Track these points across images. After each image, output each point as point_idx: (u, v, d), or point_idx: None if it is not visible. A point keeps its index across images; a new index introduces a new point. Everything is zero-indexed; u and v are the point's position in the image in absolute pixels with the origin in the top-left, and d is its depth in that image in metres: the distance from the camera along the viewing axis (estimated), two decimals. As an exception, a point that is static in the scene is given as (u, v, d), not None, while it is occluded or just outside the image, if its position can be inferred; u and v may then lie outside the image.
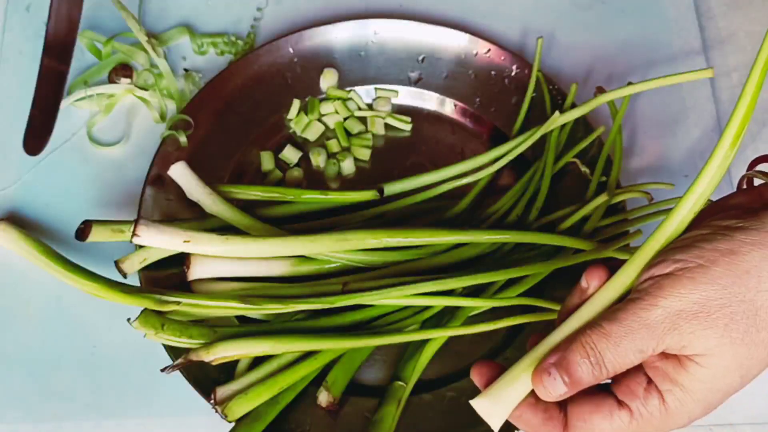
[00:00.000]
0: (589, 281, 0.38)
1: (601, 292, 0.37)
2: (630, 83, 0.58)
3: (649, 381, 0.36)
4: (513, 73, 0.64)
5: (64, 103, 0.64)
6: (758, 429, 0.55)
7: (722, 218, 0.36)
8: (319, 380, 0.52)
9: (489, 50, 0.65)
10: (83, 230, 0.53)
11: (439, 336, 0.53)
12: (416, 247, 0.55)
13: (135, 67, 0.66)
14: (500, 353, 0.55)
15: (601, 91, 0.59)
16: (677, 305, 0.34)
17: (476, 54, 0.65)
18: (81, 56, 0.67)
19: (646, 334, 0.34)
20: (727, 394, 0.36)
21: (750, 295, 0.34)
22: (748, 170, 0.44)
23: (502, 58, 0.64)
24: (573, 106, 0.61)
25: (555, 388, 0.35)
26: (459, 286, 0.52)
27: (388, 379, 0.53)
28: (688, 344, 0.34)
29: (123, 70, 0.66)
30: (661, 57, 0.69)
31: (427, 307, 0.54)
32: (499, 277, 0.53)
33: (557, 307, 0.49)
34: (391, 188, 0.59)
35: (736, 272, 0.34)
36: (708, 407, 0.36)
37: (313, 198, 0.58)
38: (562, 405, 0.38)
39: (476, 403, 0.37)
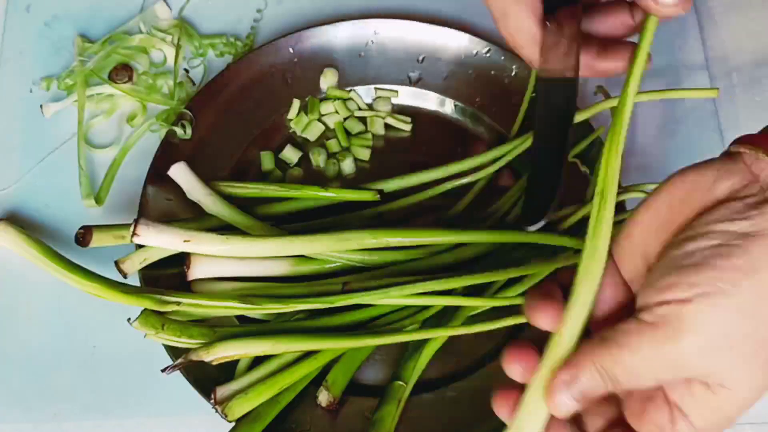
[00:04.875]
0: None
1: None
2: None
3: (673, 408, 0.34)
4: (513, 73, 0.64)
5: (65, 104, 0.64)
6: (758, 429, 0.55)
7: (726, 218, 0.32)
8: (319, 380, 0.52)
9: (489, 50, 0.64)
10: (83, 236, 0.53)
11: (439, 336, 0.53)
12: (416, 247, 0.55)
13: (135, 67, 0.66)
14: (500, 353, 0.55)
15: (601, 90, 0.59)
16: (700, 341, 0.31)
17: (476, 54, 0.65)
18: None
19: (664, 368, 0.32)
20: (754, 403, 0.34)
21: None
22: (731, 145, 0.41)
23: (502, 58, 0.64)
24: (573, 106, 0.61)
25: (568, 407, 0.34)
26: (459, 286, 0.52)
27: (388, 379, 0.53)
28: (712, 374, 0.32)
29: (123, 70, 0.66)
30: (661, 57, 0.68)
31: (427, 307, 0.54)
32: (499, 277, 0.53)
33: None
34: (390, 185, 0.59)
35: (762, 296, 0.30)
36: (734, 420, 0.34)
37: (313, 194, 0.58)
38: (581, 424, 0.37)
39: None
